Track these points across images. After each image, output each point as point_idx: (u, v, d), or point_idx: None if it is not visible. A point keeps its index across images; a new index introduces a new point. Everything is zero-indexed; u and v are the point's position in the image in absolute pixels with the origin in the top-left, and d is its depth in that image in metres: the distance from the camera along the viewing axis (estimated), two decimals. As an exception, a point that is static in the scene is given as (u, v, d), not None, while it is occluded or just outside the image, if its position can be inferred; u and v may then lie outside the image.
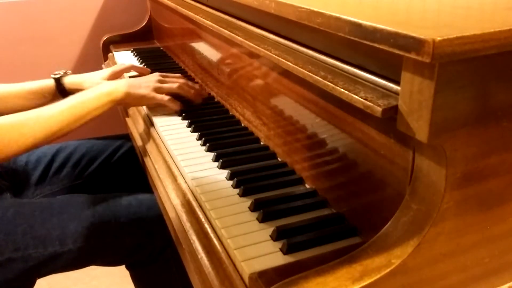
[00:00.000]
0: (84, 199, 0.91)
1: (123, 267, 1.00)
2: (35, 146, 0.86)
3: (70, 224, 0.85)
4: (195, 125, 0.95)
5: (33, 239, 0.83)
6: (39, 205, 0.89)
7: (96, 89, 0.95)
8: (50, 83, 1.14)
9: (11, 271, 0.82)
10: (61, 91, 1.14)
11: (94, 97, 0.93)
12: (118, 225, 0.89)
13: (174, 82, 1.05)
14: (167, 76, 1.07)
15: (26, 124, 0.85)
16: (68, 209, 0.88)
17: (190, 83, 1.08)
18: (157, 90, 1.01)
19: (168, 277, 0.96)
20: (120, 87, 0.97)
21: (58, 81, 1.13)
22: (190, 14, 1.04)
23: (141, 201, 0.93)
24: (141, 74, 1.25)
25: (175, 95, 1.04)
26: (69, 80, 1.15)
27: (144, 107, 1.08)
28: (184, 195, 0.75)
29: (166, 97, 1.02)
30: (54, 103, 0.90)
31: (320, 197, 0.69)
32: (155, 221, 0.89)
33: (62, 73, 1.16)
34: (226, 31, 0.84)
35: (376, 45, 0.44)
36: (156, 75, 1.05)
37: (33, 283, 0.91)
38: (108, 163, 1.12)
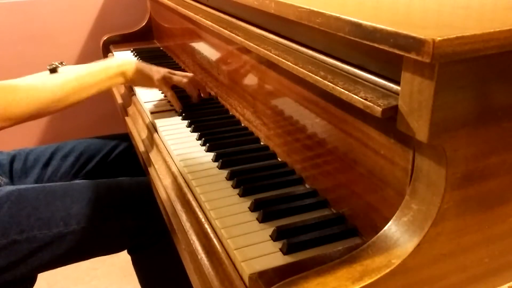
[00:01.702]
0: (87, 183, 0.93)
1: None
2: (41, 110, 0.85)
3: (73, 206, 0.87)
4: (195, 125, 0.95)
5: (37, 220, 0.84)
6: (43, 189, 0.90)
7: (106, 61, 0.98)
8: (45, 74, 1.15)
9: (15, 253, 0.83)
10: None
11: (103, 68, 0.95)
12: (120, 207, 0.90)
13: (183, 76, 1.08)
14: (175, 73, 1.09)
15: (32, 85, 0.85)
16: (72, 192, 0.89)
17: (198, 80, 1.11)
18: (167, 78, 1.05)
19: (169, 261, 0.96)
20: (131, 63, 1.01)
21: (53, 71, 1.14)
22: (190, 14, 1.04)
23: (143, 184, 0.95)
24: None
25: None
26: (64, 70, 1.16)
27: (147, 110, 1.08)
28: (183, 195, 0.75)
29: (171, 92, 1.05)
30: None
31: (320, 197, 0.69)
32: (156, 204, 0.89)
33: (58, 63, 1.16)
34: (226, 31, 0.84)
35: (376, 45, 0.44)
36: (165, 69, 1.09)
37: (34, 279, 0.92)
38: (106, 162, 1.12)
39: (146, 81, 1.05)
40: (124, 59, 1.02)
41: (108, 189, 0.93)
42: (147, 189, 0.92)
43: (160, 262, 0.98)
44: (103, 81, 0.95)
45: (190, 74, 1.11)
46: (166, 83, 1.05)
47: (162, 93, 1.15)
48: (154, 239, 0.94)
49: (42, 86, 0.86)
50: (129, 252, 1.02)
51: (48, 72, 1.13)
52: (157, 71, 1.05)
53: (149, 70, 1.05)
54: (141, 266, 1.04)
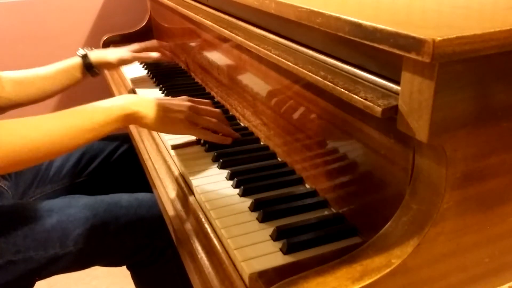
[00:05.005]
0: (84, 200, 0.91)
1: (122, 268, 1.00)
2: (16, 157, 0.67)
3: (70, 226, 0.85)
4: (195, 125, 0.95)
5: (34, 241, 0.83)
6: (40, 207, 0.88)
7: (107, 101, 0.79)
8: (76, 60, 1.18)
9: (11, 273, 0.82)
10: (88, 66, 1.18)
11: (102, 109, 0.76)
12: (118, 226, 0.88)
13: (209, 114, 0.86)
14: (198, 103, 0.87)
15: (4, 126, 0.67)
16: (69, 211, 0.87)
17: (224, 117, 0.90)
18: (191, 118, 0.83)
19: (169, 278, 0.96)
20: (139, 102, 0.79)
21: (84, 57, 1.18)
22: (190, 14, 1.04)
23: (142, 201, 0.93)
24: (162, 59, 1.29)
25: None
26: (95, 55, 1.19)
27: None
28: (184, 195, 0.75)
29: (203, 131, 0.85)
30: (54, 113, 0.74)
31: (320, 197, 0.69)
32: (155, 222, 0.89)
33: (88, 49, 1.20)
34: (226, 31, 0.84)
35: (376, 45, 0.44)
36: (185, 99, 0.87)
37: (33, 284, 0.91)
38: (108, 162, 1.12)
39: (166, 126, 0.82)
40: (133, 98, 0.80)
41: (107, 207, 0.89)
42: (148, 207, 0.91)
43: (159, 280, 0.97)
44: (102, 125, 0.74)
45: (216, 110, 0.89)
46: (192, 125, 0.83)
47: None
48: (153, 258, 0.93)
49: (19, 127, 0.68)
50: (128, 268, 1.01)
51: (78, 58, 1.16)
52: (179, 110, 0.82)
53: (170, 112, 0.81)
54: (140, 282, 1.03)
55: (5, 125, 0.68)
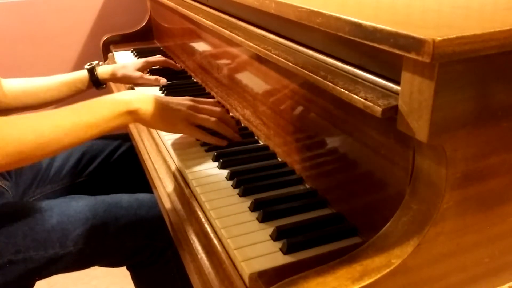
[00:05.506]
0: (85, 201, 0.91)
1: (122, 268, 1.00)
2: (24, 153, 0.68)
3: (70, 226, 0.85)
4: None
5: (34, 241, 0.83)
6: (40, 207, 0.88)
7: (113, 96, 0.81)
8: (83, 73, 1.18)
9: (11, 273, 0.82)
10: (95, 81, 1.18)
11: (108, 105, 0.78)
12: (118, 227, 0.88)
13: (210, 113, 0.86)
14: (200, 102, 0.88)
15: (10, 122, 0.69)
16: (69, 211, 0.87)
17: (227, 116, 0.90)
18: (190, 117, 0.84)
19: (169, 278, 0.96)
20: (142, 99, 0.81)
21: (91, 71, 1.18)
22: (190, 14, 1.04)
23: (142, 202, 0.93)
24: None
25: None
26: (102, 70, 1.19)
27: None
28: (183, 194, 0.75)
29: (199, 132, 0.85)
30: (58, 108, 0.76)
31: (320, 197, 0.69)
32: (155, 222, 0.89)
33: (95, 63, 1.20)
34: (226, 31, 0.84)
35: (376, 45, 0.44)
36: (187, 99, 0.87)
37: (33, 284, 0.91)
38: (108, 162, 1.12)
39: (165, 125, 0.84)
40: (134, 95, 0.81)
41: (107, 208, 0.89)
42: (148, 207, 0.91)
43: (159, 280, 0.97)
44: (106, 120, 0.76)
45: (217, 109, 0.88)
46: (190, 125, 0.85)
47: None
48: (153, 258, 0.93)
49: (24, 124, 0.69)
50: (127, 268, 1.01)
51: (85, 71, 1.16)
52: (176, 109, 0.83)
53: (165, 109, 0.82)
54: (140, 283, 1.03)
55: (14, 121, 0.70)
